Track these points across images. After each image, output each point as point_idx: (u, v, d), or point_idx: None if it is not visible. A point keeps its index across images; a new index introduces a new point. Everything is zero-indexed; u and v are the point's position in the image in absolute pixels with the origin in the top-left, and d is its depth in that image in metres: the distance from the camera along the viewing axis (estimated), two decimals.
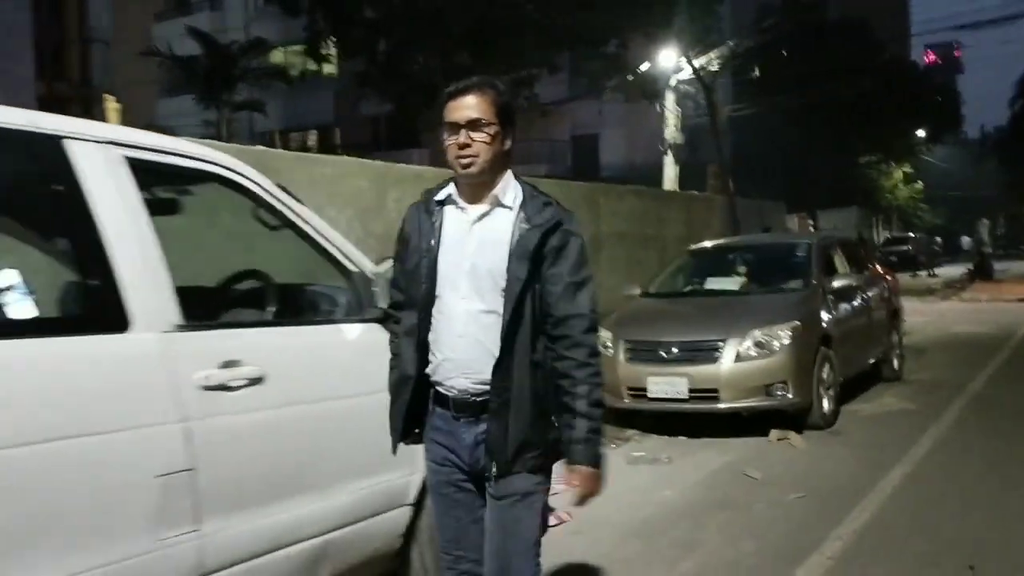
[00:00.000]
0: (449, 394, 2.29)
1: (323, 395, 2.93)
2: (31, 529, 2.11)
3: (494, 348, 2.21)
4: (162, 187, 2.87)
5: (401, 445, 2.42)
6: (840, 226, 28.83)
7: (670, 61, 17.95)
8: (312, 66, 25.50)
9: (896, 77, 31.34)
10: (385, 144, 29.90)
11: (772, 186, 23.83)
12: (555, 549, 4.14)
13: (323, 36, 20.49)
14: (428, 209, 2.32)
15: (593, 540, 4.34)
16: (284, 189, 3.06)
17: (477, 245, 2.25)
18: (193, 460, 2.45)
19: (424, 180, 7.11)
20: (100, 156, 2.45)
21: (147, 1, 35.43)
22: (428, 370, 2.32)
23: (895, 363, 9.05)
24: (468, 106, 2.22)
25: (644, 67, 18.60)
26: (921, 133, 38.18)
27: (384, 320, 2.84)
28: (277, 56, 29.67)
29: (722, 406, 6.57)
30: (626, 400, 6.80)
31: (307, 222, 3.10)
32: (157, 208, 2.68)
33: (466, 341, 2.23)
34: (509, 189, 2.28)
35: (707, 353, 6.63)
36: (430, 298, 2.28)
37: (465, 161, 2.22)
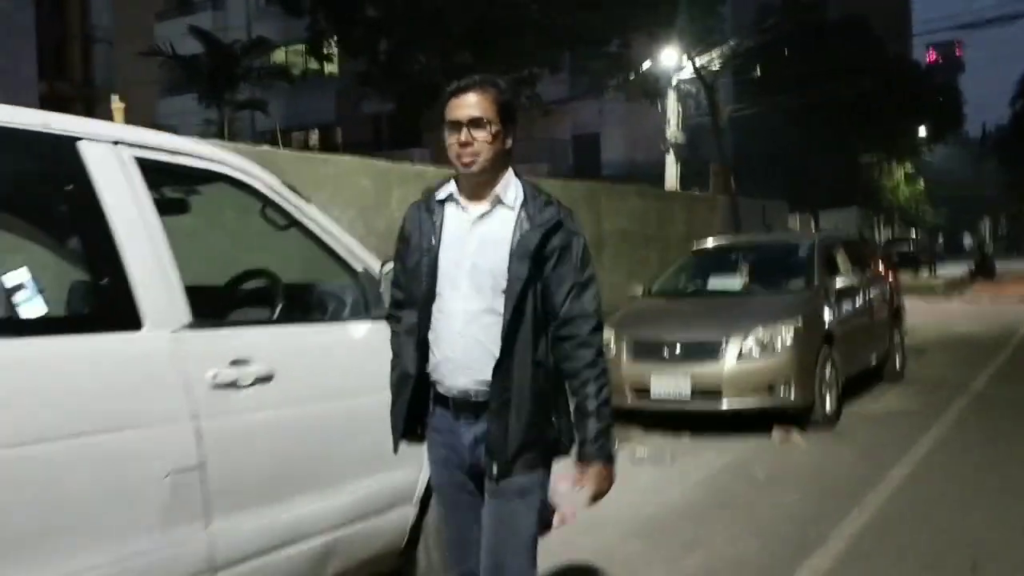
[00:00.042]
0: (448, 394, 2.30)
1: (330, 393, 2.96)
2: (47, 525, 2.14)
3: (494, 348, 2.21)
4: (172, 187, 2.89)
5: (404, 444, 2.42)
6: (841, 226, 28.83)
7: (672, 60, 17.97)
8: (314, 65, 25.52)
9: (897, 77, 31.35)
10: (386, 143, 29.88)
11: (773, 186, 23.83)
12: (559, 548, 4.16)
13: (325, 36, 20.51)
14: (429, 208, 2.32)
15: (596, 539, 4.35)
16: (292, 188, 3.08)
17: (478, 244, 2.25)
18: (204, 457, 2.48)
19: (426, 179, 7.14)
20: (111, 156, 2.48)
21: (148, 0, 35.44)
22: (428, 369, 2.33)
23: (897, 362, 9.08)
24: (470, 104, 2.22)
25: (646, 66, 18.61)
26: (922, 133, 38.19)
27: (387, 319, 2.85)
28: (279, 55, 29.69)
29: (725, 405, 6.59)
30: (629, 399, 6.81)
31: (315, 221, 3.12)
32: (166, 208, 2.70)
33: (465, 340, 2.23)
34: (510, 188, 2.28)
35: (710, 352, 6.65)
36: (430, 297, 2.28)
37: (466, 160, 2.22)
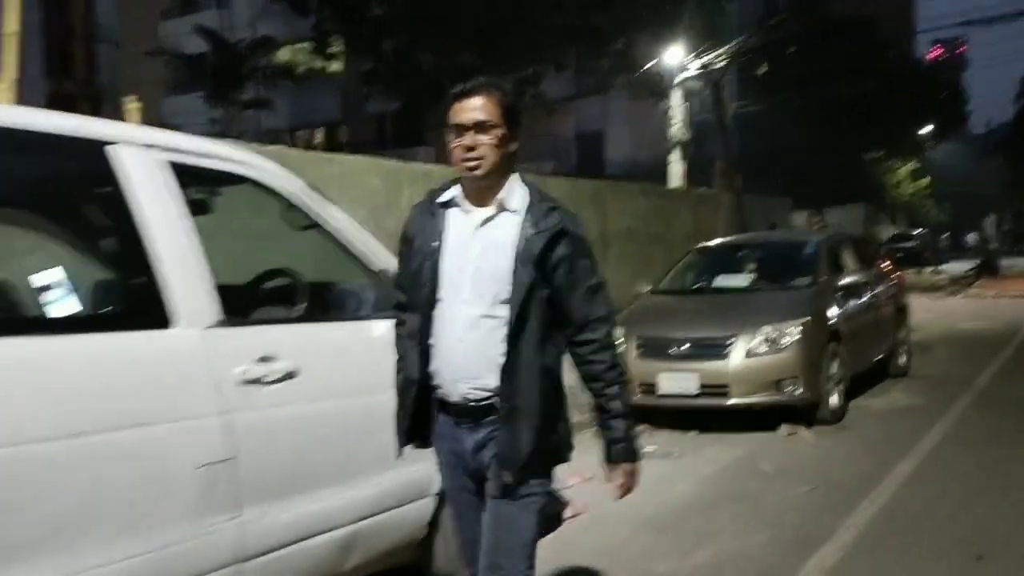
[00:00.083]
0: (448, 399, 2.28)
1: (352, 389, 3.04)
2: (86, 515, 2.22)
3: (495, 353, 2.19)
4: (201, 189, 2.97)
5: (410, 448, 2.41)
6: (846, 223, 28.84)
7: (676, 58, 18.00)
8: (319, 64, 25.58)
9: (900, 74, 31.34)
10: (391, 142, 29.92)
11: (778, 183, 23.86)
12: (570, 541, 4.25)
13: (330, 34, 20.57)
14: (432, 211, 2.30)
15: (607, 532, 4.44)
16: (315, 189, 3.16)
17: (481, 249, 2.22)
18: (233, 451, 2.57)
19: (435, 179, 7.20)
20: (144, 160, 2.56)
21: None
22: (430, 372, 2.31)
23: (902, 359, 9.14)
24: (475, 108, 2.20)
25: (650, 64, 18.65)
26: (926, 130, 38.16)
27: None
28: (283, 54, 29.76)
29: (732, 402, 6.66)
30: (637, 396, 6.87)
31: (337, 221, 3.20)
32: (195, 209, 2.78)
33: (465, 346, 2.21)
34: (515, 192, 2.26)
35: (717, 349, 6.72)
36: (432, 301, 2.25)
37: (471, 164, 2.20)
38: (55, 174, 2.55)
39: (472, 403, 2.24)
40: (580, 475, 5.13)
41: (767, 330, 6.71)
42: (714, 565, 4.03)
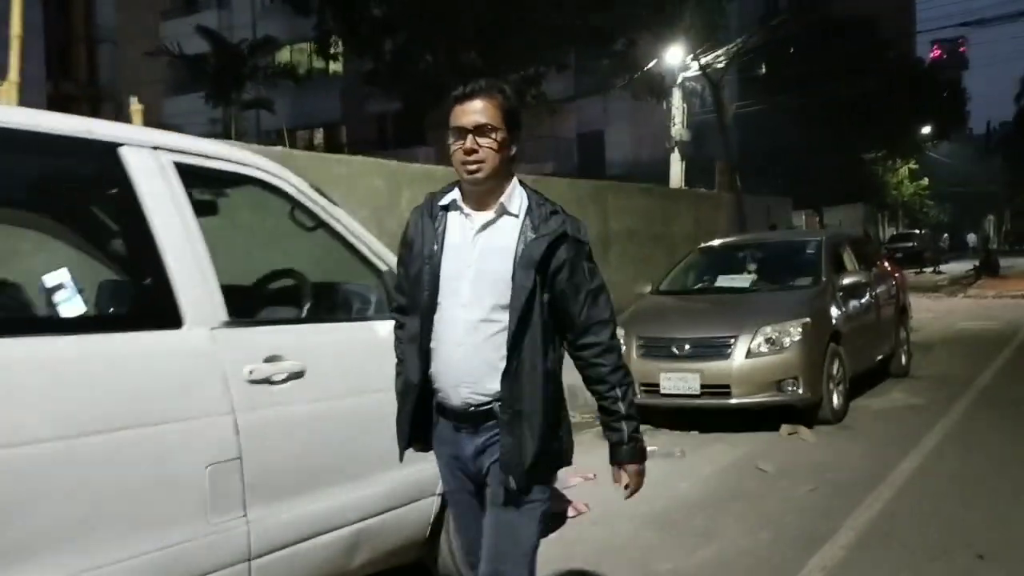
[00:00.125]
0: (447, 404, 2.27)
1: (358, 388, 3.06)
2: (95, 513, 2.24)
3: (494, 358, 2.18)
4: (207, 190, 2.99)
5: (412, 451, 2.40)
6: (846, 223, 28.87)
7: (677, 59, 18.03)
8: (319, 64, 25.58)
9: (900, 75, 31.38)
10: (391, 142, 29.97)
11: (778, 183, 23.90)
12: (573, 540, 4.27)
13: (331, 34, 20.59)
14: (432, 214, 2.29)
15: (610, 531, 4.45)
16: (319, 191, 3.18)
17: (481, 253, 2.21)
18: (241, 450, 2.59)
19: (436, 179, 7.23)
20: (152, 161, 2.58)
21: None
22: (431, 376, 2.30)
23: (903, 359, 9.16)
24: (475, 111, 2.18)
25: (651, 65, 18.68)
26: (926, 130, 38.21)
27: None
28: (284, 54, 29.79)
29: (733, 401, 6.68)
30: (638, 396, 6.89)
31: (341, 223, 3.22)
32: (202, 210, 2.80)
33: (464, 350, 2.20)
34: (515, 196, 2.24)
35: (719, 349, 6.74)
36: (432, 305, 2.24)
37: (472, 167, 2.18)
38: (70, 176, 2.57)
39: (472, 407, 2.23)
40: (582, 474, 5.16)
41: (768, 330, 6.72)
42: (717, 563, 4.04)
